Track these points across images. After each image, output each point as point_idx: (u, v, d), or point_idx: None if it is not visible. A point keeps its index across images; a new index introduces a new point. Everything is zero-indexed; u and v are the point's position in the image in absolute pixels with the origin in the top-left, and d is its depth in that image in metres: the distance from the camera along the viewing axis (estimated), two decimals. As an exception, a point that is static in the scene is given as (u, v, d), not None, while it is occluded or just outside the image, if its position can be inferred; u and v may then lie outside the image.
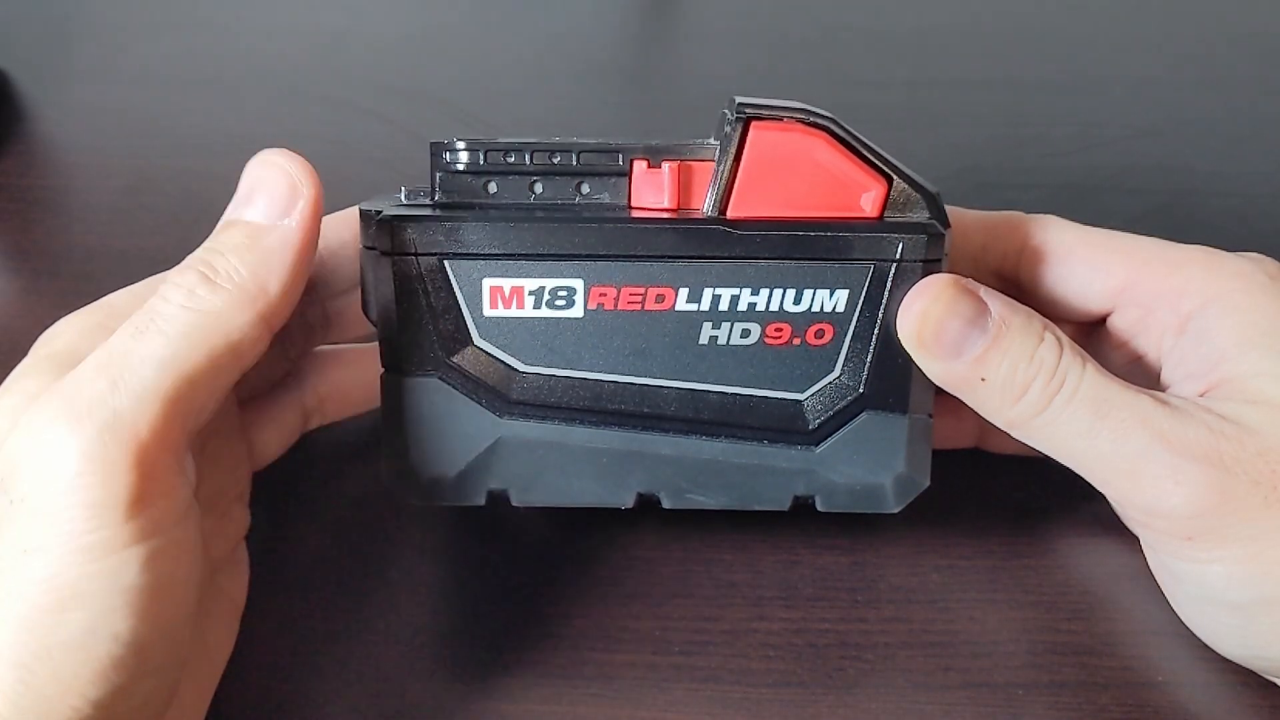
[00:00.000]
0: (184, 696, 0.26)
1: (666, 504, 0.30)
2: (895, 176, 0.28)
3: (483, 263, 0.28)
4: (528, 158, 0.29)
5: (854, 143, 0.28)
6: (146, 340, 0.24)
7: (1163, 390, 0.29)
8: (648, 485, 0.29)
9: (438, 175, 0.29)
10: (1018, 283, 0.32)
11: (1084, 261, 0.31)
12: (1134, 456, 0.26)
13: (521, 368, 0.29)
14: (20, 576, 0.22)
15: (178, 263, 0.26)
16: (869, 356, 0.28)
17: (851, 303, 0.28)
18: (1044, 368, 0.27)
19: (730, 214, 0.28)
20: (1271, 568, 0.26)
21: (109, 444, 0.22)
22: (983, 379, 0.27)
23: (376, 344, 0.29)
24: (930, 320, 0.27)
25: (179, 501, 0.24)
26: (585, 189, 0.29)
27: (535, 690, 0.30)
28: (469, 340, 0.29)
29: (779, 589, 0.32)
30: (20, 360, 0.26)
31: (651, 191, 0.29)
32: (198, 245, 0.30)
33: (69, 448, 0.22)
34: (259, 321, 0.25)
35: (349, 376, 0.33)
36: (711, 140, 0.29)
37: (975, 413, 0.28)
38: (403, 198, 0.30)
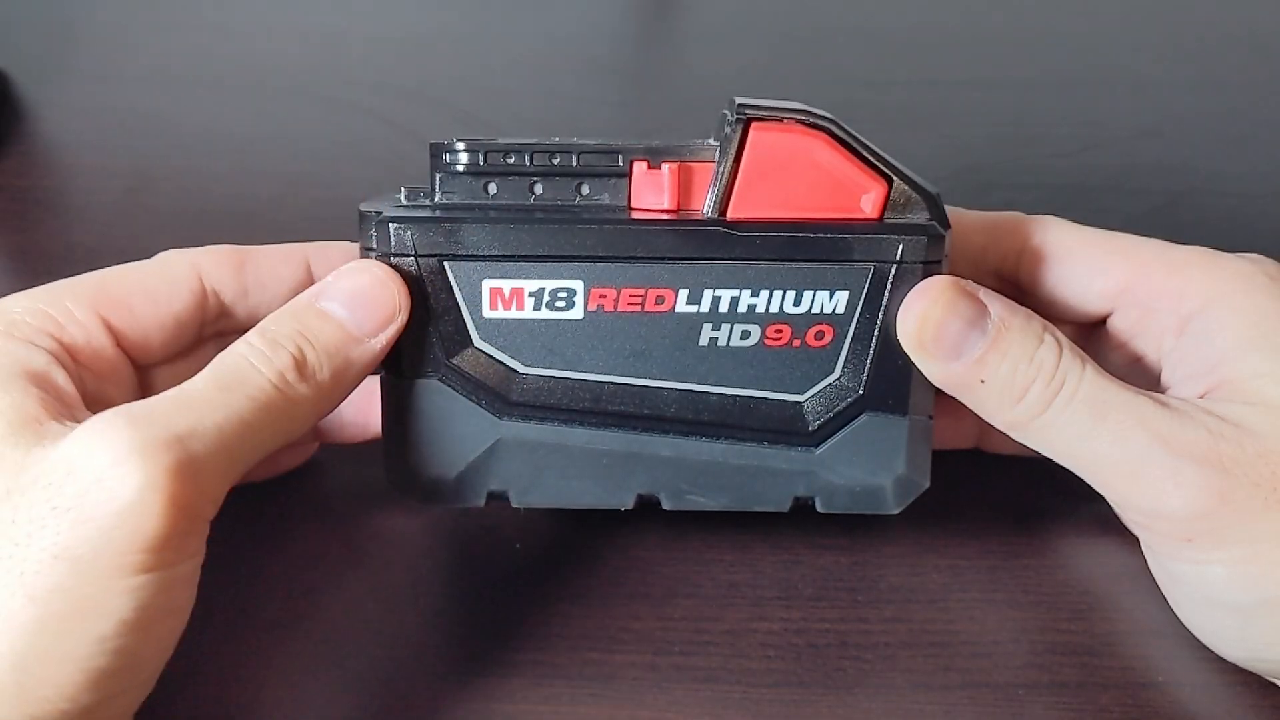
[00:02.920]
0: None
1: (666, 505, 0.30)
2: (895, 177, 0.28)
3: (483, 264, 0.28)
4: (528, 158, 0.29)
5: (854, 143, 0.28)
6: (232, 396, 0.25)
7: (1163, 392, 0.29)
8: (648, 486, 0.29)
9: (437, 176, 0.29)
10: (1018, 283, 0.32)
11: (1084, 262, 0.31)
12: (1134, 458, 0.26)
13: (521, 369, 0.29)
14: (44, 582, 0.23)
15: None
16: (869, 358, 0.28)
17: (851, 304, 0.28)
18: (1043, 369, 0.27)
19: (730, 215, 0.28)
20: (1271, 569, 0.26)
21: (178, 483, 0.23)
22: (982, 380, 0.27)
23: None
24: (930, 322, 0.27)
25: (202, 539, 0.25)
26: (585, 190, 0.29)
27: (535, 690, 0.30)
28: (469, 341, 0.29)
29: (779, 589, 0.32)
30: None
31: (651, 192, 0.29)
32: (198, 245, 0.31)
33: (135, 477, 0.23)
34: (317, 415, 0.27)
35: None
36: (711, 141, 0.29)
37: (975, 413, 0.28)
38: (402, 198, 0.30)
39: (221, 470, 0.24)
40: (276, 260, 0.31)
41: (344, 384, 0.27)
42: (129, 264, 0.30)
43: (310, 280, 0.30)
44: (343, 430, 0.33)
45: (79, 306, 0.28)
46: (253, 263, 0.30)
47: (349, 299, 0.27)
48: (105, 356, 0.28)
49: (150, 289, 0.29)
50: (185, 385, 0.25)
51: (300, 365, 0.26)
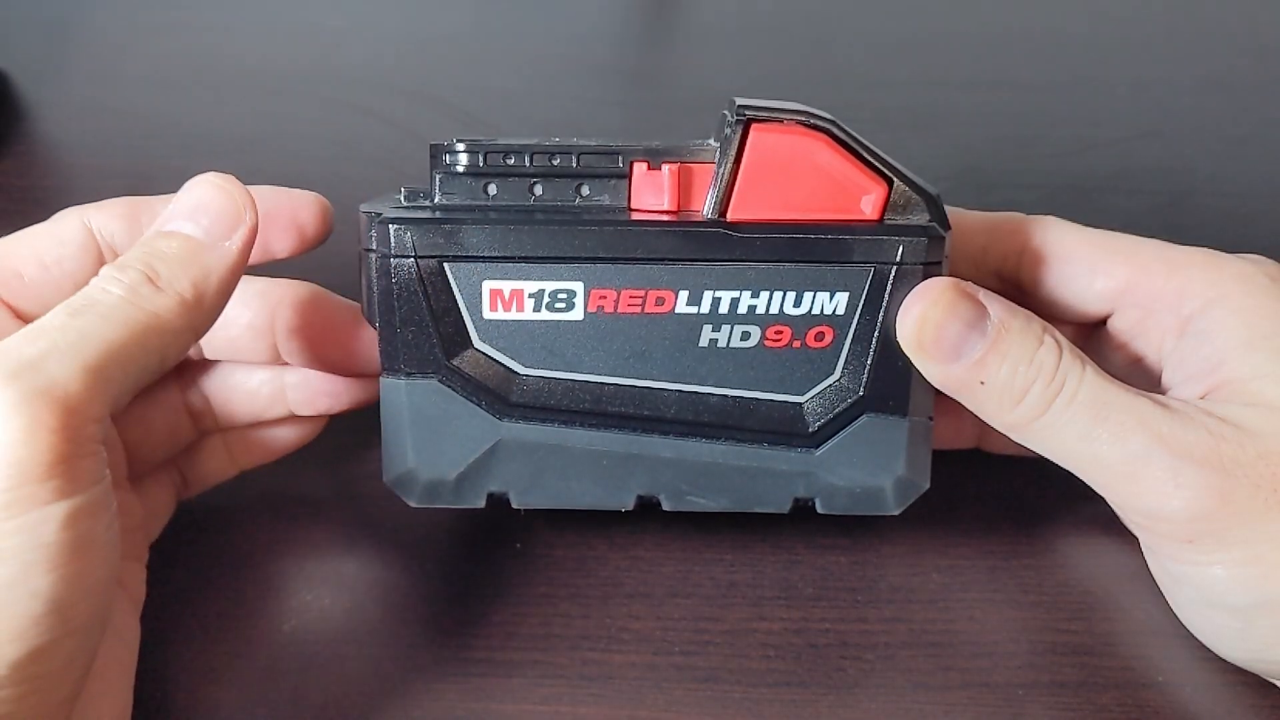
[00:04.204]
0: (107, 673, 0.27)
1: (667, 506, 0.30)
2: (895, 179, 0.28)
3: (482, 265, 0.28)
4: (527, 159, 0.29)
5: (854, 145, 0.28)
6: (84, 318, 0.24)
7: (1163, 393, 0.29)
8: (648, 487, 0.29)
9: (437, 177, 0.29)
10: (1019, 284, 0.32)
11: (1084, 263, 0.31)
12: (1134, 459, 0.26)
13: (521, 370, 0.29)
14: None
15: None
16: (869, 359, 0.28)
17: (851, 305, 0.28)
18: (1043, 371, 0.27)
19: (730, 216, 0.28)
20: (1272, 570, 0.26)
21: (37, 405, 0.23)
22: (982, 382, 0.27)
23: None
24: (929, 323, 0.27)
25: (97, 464, 0.24)
26: (585, 191, 0.29)
27: (535, 690, 0.30)
28: (469, 343, 0.29)
29: (779, 589, 0.32)
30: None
31: (651, 193, 0.29)
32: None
33: None
34: (189, 329, 0.26)
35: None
36: (711, 142, 0.29)
37: (975, 413, 0.28)
38: (402, 199, 0.30)
39: (90, 390, 0.23)
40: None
41: (209, 292, 0.26)
42: (21, 230, 0.29)
43: None
44: (313, 399, 0.33)
45: None
46: (149, 212, 0.30)
47: (191, 212, 0.27)
48: (6, 333, 0.27)
49: (40, 253, 0.29)
50: (38, 320, 0.25)
51: (152, 279, 0.25)
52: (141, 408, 0.31)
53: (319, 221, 0.30)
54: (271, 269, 0.31)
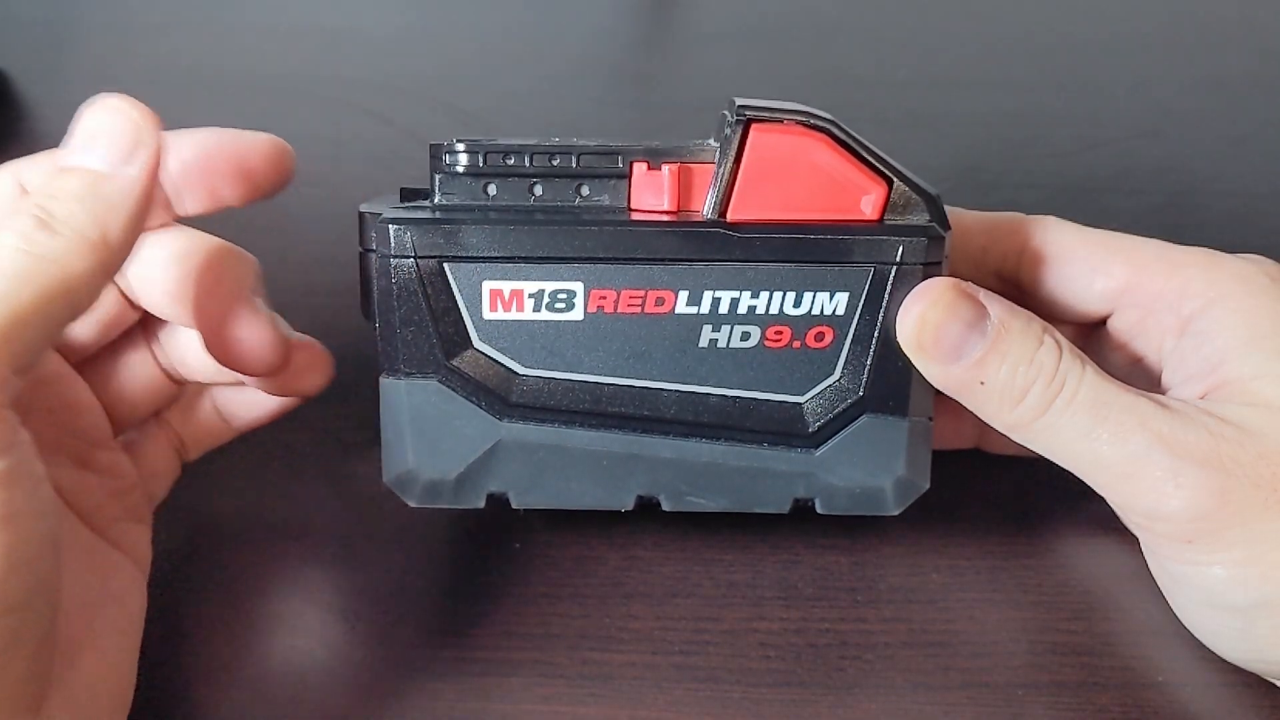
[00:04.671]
0: (102, 643, 0.26)
1: (666, 506, 0.30)
2: (895, 179, 0.28)
3: (482, 265, 0.28)
4: (527, 159, 0.29)
5: (854, 145, 0.28)
6: None
7: (1163, 393, 0.29)
8: (648, 488, 0.29)
9: (437, 177, 0.29)
10: (1018, 284, 0.32)
11: (1084, 263, 0.31)
12: (1134, 459, 0.26)
13: (521, 370, 0.29)
14: None
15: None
16: (869, 359, 0.28)
17: (851, 306, 0.28)
18: (1043, 371, 0.27)
19: (730, 216, 0.28)
20: (1272, 571, 0.26)
21: None
22: (982, 382, 0.27)
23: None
24: (929, 324, 0.27)
25: (6, 431, 0.22)
26: (585, 191, 0.29)
27: (535, 690, 0.30)
28: (469, 343, 0.29)
29: (779, 589, 0.32)
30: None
31: (651, 194, 0.29)
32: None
33: None
34: (98, 269, 0.24)
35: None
36: (711, 142, 0.29)
37: (975, 414, 0.28)
38: (402, 199, 0.30)
39: None
40: None
41: (114, 226, 0.24)
42: None
43: None
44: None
45: None
46: None
47: (84, 142, 0.25)
48: None
49: None
50: None
51: (45, 222, 0.23)
52: (110, 364, 0.30)
53: (271, 165, 0.28)
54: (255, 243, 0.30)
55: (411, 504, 0.30)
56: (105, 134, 0.25)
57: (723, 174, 0.28)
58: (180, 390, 0.32)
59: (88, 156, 0.25)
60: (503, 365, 0.29)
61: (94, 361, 0.30)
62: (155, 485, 0.31)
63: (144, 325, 0.31)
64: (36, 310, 0.23)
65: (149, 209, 0.25)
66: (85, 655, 0.25)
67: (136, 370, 0.31)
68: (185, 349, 0.31)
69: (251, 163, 0.28)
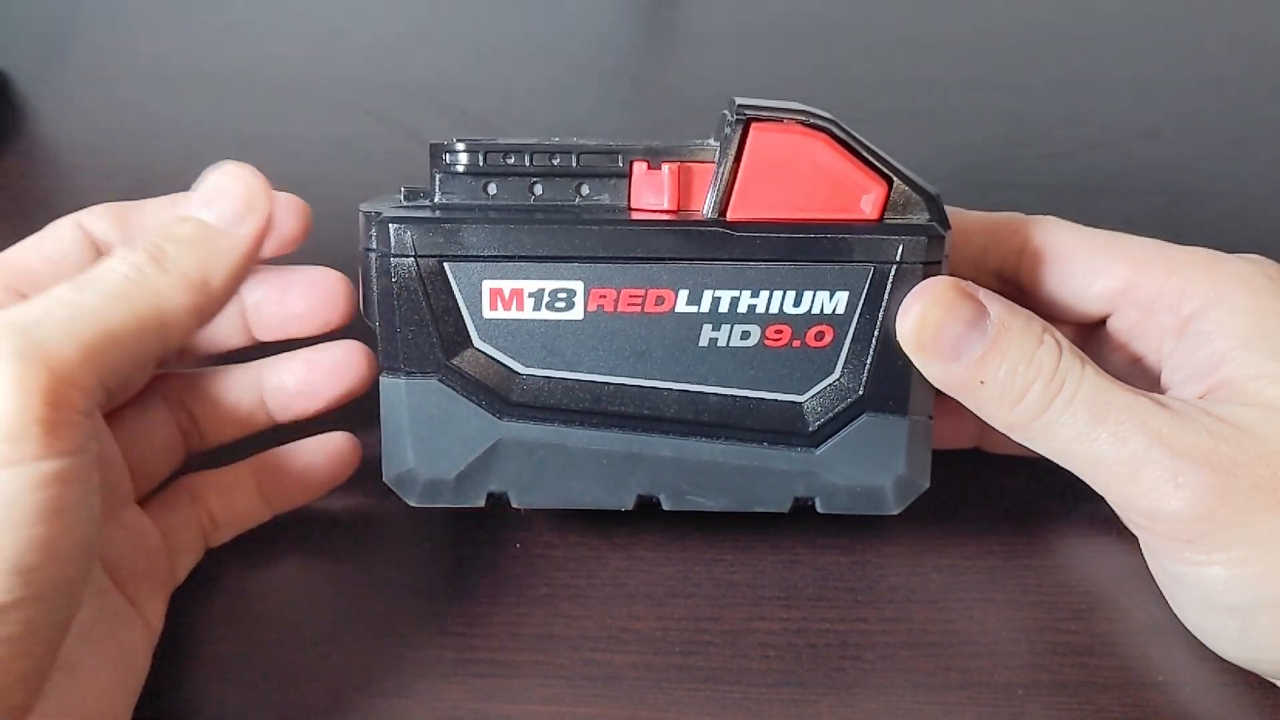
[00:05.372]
0: (101, 683, 0.27)
1: (666, 506, 0.30)
2: (895, 178, 0.28)
3: (482, 264, 0.28)
4: (527, 159, 0.29)
5: (854, 144, 0.28)
6: (84, 293, 0.25)
7: (1162, 393, 0.29)
8: (648, 487, 0.29)
9: (437, 176, 0.29)
10: (1018, 284, 0.32)
11: (1084, 263, 0.31)
12: (1133, 459, 0.26)
13: (521, 370, 0.29)
14: None
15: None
16: (869, 358, 0.28)
17: (851, 305, 0.28)
18: (1043, 370, 0.27)
19: (730, 216, 0.28)
20: (1271, 570, 0.26)
21: (19, 365, 0.23)
22: (982, 382, 0.27)
23: None
24: (929, 323, 0.27)
25: (79, 434, 0.24)
26: (585, 190, 0.29)
27: (536, 690, 0.30)
28: (469, 342, 0.29)
29: (779, 589, 0.32)
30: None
31: (651, 193, 0.29)
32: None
33: None
34: (193, 310, 0.26)
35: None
36: (711, 141, 0.29)
37: (975, 413, 0.28)
38: (402, 199, 0.30)
39: (79, 358, 0.24)
40: (159, 206, 0.30)
41: (216, 275, 0.27)
42: (22, 241, 0.30)
43: None
44: (290, 403, 0.32)
45: None
46: (135, 213, 0.30)
47: (204, 199, 0.28)
48: None
49: (47, 254, 0.29)
50: (44, 293, 0.25)
51: (158, 259, 0.26)
52: (131, 422, 0.31)
53: (298, 224, 0.30)
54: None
55: (412, 503, 0.30)
56: (225, 194, 0.28)
57: (723, 173, 0.28)
58: (184, 454, 0.32)
59: (206, 211, 0.28)
60: (503, 364, 0.29)
61: (116, 417, 0.31)
62: (177, 562, 0.31)
63: (163, 388, 0.32)
64: (131, 333, 0.25)
65: (251, 267, 0.28)
66: (79, 682, 0.25)
67: (155, 430, 0.32)
68: (216, 401, 0.32)
69: (283, 219, 0.30)
